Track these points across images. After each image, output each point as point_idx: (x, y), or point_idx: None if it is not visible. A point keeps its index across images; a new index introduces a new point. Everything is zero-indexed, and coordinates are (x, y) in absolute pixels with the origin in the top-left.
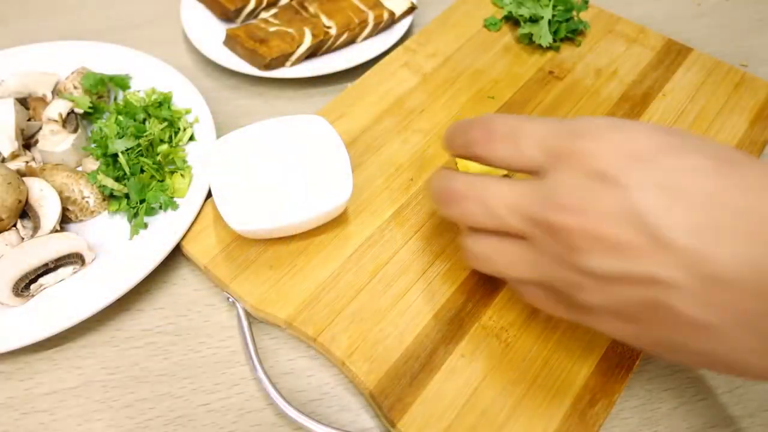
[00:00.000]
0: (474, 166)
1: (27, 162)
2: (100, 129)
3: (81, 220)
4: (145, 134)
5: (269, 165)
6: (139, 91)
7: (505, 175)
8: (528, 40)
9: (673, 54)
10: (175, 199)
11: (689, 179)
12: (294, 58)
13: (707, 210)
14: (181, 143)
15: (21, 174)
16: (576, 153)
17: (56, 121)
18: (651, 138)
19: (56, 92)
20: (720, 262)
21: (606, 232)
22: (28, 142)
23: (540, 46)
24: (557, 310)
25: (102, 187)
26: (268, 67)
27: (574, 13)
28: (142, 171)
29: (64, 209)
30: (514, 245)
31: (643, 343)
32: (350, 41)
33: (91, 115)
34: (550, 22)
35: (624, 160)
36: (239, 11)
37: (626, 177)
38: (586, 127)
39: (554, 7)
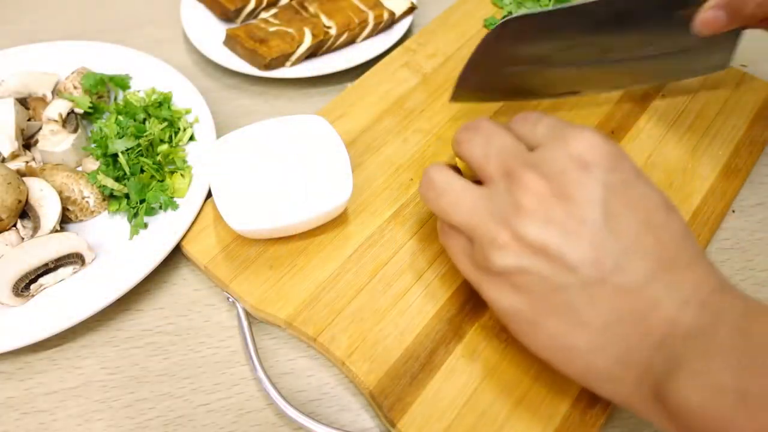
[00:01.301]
0: None
1: (27, 162)
2: (100, 129)
3: (81, 220)
4: (145, 134)
5: (269, 165)
6: (139, 91)
7: None
8: None
9: None
10: (175, 199)
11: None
12: (294, 58)
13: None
14: (181, 143)
15: (21, 174)
16: (568, 138)
17: (56, 121)
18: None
19: (56, 92)
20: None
21: (555, 207)
22: (28, 142)
23: None
24: (462, 263)
25: (102, 187)
26: (268, 67)
27: None
28: (142, 171)
29: (64, 209)
30: (471, 189)
31: (517, 316)
32: (350, 41)
33: (91, 115)
34: None
35: (604, 158)
36: (239, 11)
37: (599, 173)
38: (586, 128)
39: None
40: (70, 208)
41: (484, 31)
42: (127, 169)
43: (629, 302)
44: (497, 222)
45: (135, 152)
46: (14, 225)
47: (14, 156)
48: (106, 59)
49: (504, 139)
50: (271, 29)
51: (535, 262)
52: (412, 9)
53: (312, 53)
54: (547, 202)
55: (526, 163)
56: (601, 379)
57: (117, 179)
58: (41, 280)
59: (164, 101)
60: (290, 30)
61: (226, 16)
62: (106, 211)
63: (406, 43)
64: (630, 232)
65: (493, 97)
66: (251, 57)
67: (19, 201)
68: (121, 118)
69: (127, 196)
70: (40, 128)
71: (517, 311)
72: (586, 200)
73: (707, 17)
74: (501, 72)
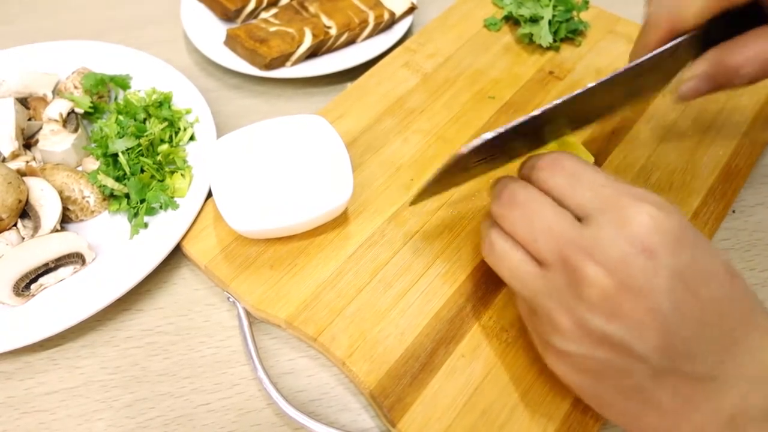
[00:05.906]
0: None
1: (27, 162)
2: (101, 129)
3: (81, 220)
4: (145, 134)
5: (269, 165)
6: (139, 91)
7: None
8: (528, 40)
9: None
10: (175, 198)
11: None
12: (294, 58)
13: (699, 326)
14: (181, 143)
15: (21, 174)
16: (623, 214)
17: (57, 120)
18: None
19: (57, 92)
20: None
21: (620, 300)
22: (28, 141)
23: (540, 46)
24: (527, 324)
25: (102, 187)
26: (269, 66)
27: (574, 13)
28: (142, 171)
29: (65, 209)
30: (529, 264)
31: (582, 391)
32: (350, 41)
33: (91, 115)
34: (550, 22)
35: (668, 239)
36: (239, 11)
37: (665, 258)
38: (635, 191)
39: (554, 7)
40: (70, 207)
41: (484, 31)
42: (127, 169)
43: (700, 388)
44: (558, 306)
45: (135, 152)
46: (15, 225)
47: (15, 156)
48: (107, 59)
49: (546, 216)
50: (272, 29)
51: (598, 351)
52: (412, 9)
53: (312, 53)
54: (612, 295)
55: (581, 249)
56: None
57: (117, 179)
58: (41, 280)
59: (164, 101)
60: (290, 30)
61: (227, 16)
62: (107, 211)
63: (406, 43)
64: (696, 313)
65: (455, 185)
66: (252, 57)
67: (20, 201)
68: (121, 117)
69: (127, 195)
70: (41, 128)
71: (581, 387)
72: (652, 290)
73: (691, 87)
74: (467, 169)
